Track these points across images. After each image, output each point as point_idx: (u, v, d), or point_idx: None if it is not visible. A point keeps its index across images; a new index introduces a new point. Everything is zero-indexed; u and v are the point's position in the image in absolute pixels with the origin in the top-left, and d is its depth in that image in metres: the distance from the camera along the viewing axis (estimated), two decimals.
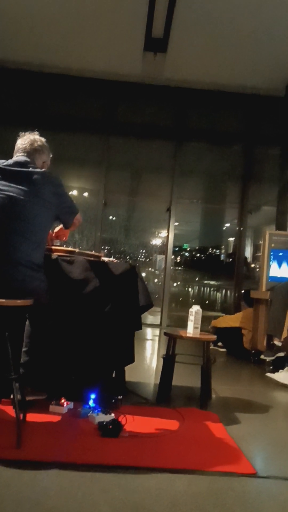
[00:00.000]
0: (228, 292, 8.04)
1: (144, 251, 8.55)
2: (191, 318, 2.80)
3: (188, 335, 2.78)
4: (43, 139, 2.46)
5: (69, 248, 2.73)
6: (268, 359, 4.15)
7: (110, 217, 7.75)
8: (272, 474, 1.83)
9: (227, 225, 8.71)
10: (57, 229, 2.76)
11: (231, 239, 8.61)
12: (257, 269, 7.02)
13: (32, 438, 1.93)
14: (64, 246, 2.80)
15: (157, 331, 6.45)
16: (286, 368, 3.82)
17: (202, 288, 9.93)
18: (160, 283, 7.49)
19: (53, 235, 2.76)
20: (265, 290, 4.68)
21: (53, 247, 2.66)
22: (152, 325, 6.90)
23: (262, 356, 4.48)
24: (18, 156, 2.35)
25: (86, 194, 7.56)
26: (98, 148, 7.08)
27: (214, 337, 3.02)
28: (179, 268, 9.40)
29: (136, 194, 7.94)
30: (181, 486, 1.66)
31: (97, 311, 2.54)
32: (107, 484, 1.60)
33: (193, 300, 9.22)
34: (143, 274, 6.85)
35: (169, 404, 2.69)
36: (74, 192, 7.30)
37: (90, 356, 2.54)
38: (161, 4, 5.14)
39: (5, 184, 2.19)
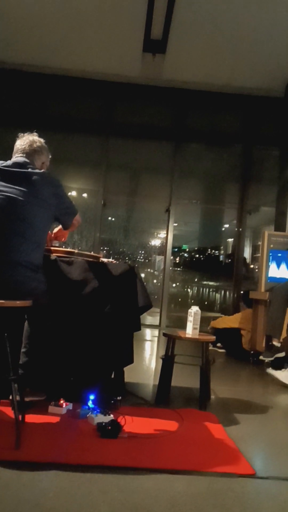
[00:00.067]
0: (227, 292, 8.05)
1: (143, 251, 8.55)
2: (190, 318, 2.80)
3: (187, 335, 2.78)
4: (42, 140, 2.47)
5: (68, 249, 2.73)
6: (267, 359, 4.15)
7: (109, 218, 7.75)
8: (271, 475, 1.83)
9: (226, 225, 8.71)
10: (56, 230, 2.76)
11: (230, 239, 8.61)
12: (256, 270, 7.03)
13: (31, 439, 1.93)
14: (63, 247, 2.80)
15: (156, 332, 6.45)
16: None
17: (201, 289, 9.93)
18: (159, 284, 7.49)
19: (52, 235, 2.76)
20: (264, 291, 4.69)
21: (52, 248, 2.66)
22: (151, 326, 6.90)
23: (261, 357, 4.48)
24: (17, 157, 2.35)
25: (85, 194, 7.56)
26: (97, 149, 7.09)
27: (213, 337, 3.02)
28: (178, 268, 9.40)
29: (135, 195, 7.94)
30: (180, 487, 1.66)
31: (96, 312, 2.54)
32: (106, 485, 1.60)
33: (192, 301, 9.21)
34: (142, 275, 6.84)
35: (168, 405, 2.69)
36: (73, 193, 7.30)
37: (89, 357, 2.54)
38: (160, 6, 5.15)
39: (4, 185, 2.19)
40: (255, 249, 7.91)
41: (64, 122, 6.98)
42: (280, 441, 2.34)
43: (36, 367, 2.31)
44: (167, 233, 6.99)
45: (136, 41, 5.78)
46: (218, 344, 5.09)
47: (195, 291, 9.76)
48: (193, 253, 10.06)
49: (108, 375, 2.72)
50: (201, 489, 1.65)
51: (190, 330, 2.78)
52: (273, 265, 4.80)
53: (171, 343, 2.86)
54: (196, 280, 9.68)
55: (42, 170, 2.35)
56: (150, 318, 7.20)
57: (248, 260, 7.72)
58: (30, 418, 2.15)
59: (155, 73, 6.51)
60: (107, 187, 7.06)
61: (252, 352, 4.64)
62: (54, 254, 2.58)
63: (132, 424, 2.22)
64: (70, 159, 7.12)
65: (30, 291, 2.16)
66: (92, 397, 2.34)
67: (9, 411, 2.20)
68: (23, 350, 2.31)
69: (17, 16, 5.54)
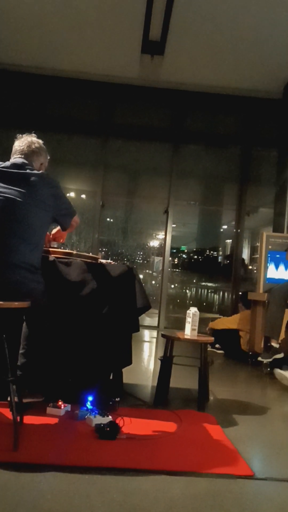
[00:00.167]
0: (226, 294, 8.05)
1: (141, 253, 8.55)
2: (188, 320, 2.80)
3: (185, 337, 2.78)
4: (40, 141, 2.47)
5: (67, 250, 2.73)
6: (265, 361, 4.15)
7: (108, 219, 7.75)
8: (269, 476, 1.83)
9: (225, 227, 8.71)
10: (54, 231, 2.76)
11: (229, 241, 8.61)
12: (255, 271, 7.03)
13: (29, 441, 1.93)
14: (62, 248, 2.80)
15: (154, 333, 6.45)
16: None
17: (199, 290, 9.92)
18: (157, 285, 7.49)
19: (51, 236, 2.76)
20: (262, 292, 4.69)
21: (51, 249, 2.66)
22: (149, 327, 6.90)
23: (259, 358, 4.49)
24: (16, 158, 2.35)
25: (83, 196, 7.56)
26: (95, 150, 7.09)
27: (212, 339, 3.02)
28: (177, 270, 9.40)
29: (134, 196, 7.95)
30: (179, 488, 1.66)
31: (95, 313, 2.54)
32: (104, 487, 1.60)
33: (191, 302, 9.21)
34: (141, 276, 6.85)
35: (167, 406, 2.69)
36: (72, 194, 7.30)
37: (87, 358, 2.54)
38: (158, 7, 5.16)
39: (3, 186, 2.19)
40: (253, 250, 7.92)
41: (63, 123, 6.99)
42: (278, 442, 2.34)
43: (34, 368, 2.31)
44: (165, 234, 6.99)
45: (135, 43, 5.79)
46: (217, 345, 5.09)
47: (194, 292, 9.75)
48: (191, 254, 10.06)
49: (106, 376, 2.72)
50: (199, 490, 1.65)
51: (189, 331, 2.78)
52: (271, 266, 4.81)
53: (169, 344, 2.86)
54: (194, 281, 9.68)
55: (40, 171, 2.35)
56: (148, 319, 7.20)
57: (246, 261, 7.72)
58: (28, 419, 2.15)
59: (153, 74, 6.52)
60: (106, 188, 7.06)
61: (250, 353, 4.64)
62: (52, 255, 2.58)
63: (131, 425, 2.22)
64: (69, 160, 7.12)
65: (28, 292, 2.16)
66: (90, 398, 2.34)
67: (7, 413, 2.20)
68: (21, 351, 2.31)
69: (16, 17, 5.54)
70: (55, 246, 2.76)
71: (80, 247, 7.09)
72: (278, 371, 3.88)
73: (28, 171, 2.27)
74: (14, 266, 2.14)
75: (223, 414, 2.64)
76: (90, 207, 7.12)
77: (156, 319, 6.94)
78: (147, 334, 6.31)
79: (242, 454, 2.00)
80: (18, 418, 2.02)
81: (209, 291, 9.80)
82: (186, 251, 10.03)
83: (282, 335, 4.11)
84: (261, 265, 4.83)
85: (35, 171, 2.30)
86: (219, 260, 9.57)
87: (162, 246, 7.14)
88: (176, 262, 9.45)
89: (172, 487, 1.66)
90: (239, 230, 7.15)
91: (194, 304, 3.89)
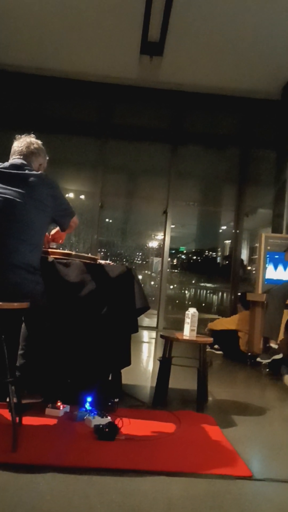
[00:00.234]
0: (225, 294, 8.05)
1: (140, 253, 8.56)
2: (187, 320, 2.80)
3: (184, 337, 2.78)
4: (39, 142, 2.47)
5: (66, 251, 2.73)
6: (264, 361, 4.15)
7: (107, 220, 7.75)
8: (268, 477, 1.83)
9: (224, 227, 8.72)
10: (53, 231, 2.76)
11: (228, 241, 8.62)
12: (253, 272, 7.03)
13: (28, 442, 1.93)
14: (61, 248, 2.80)
15: (153, 334, 6.45)
16: None
17: (198, 291, 9.93)
18: (156, 286, 7.49)
19: (50, 237, 2.76)
20: (261, 293, 4.69)
21: (50, 250, 2.66)
22: (148, 328, 6.90)
23: (258, 359, 4.49)
24: (15, 159, 2.35)
25: (82, 196, 7.56)
26: (94, 151, 7.09)
27: (211, 339, 3.02)
28: (176, 270, 9.40)
29: (133, 197, 7.95)
30: (178, 489, 1.66)
31: (94, 313, 2.54)
32: (103, 487, 1.60)
33: (190, 303, 9.21)
34: (140, 277, 6.86)
35: (166, 407, 2.69)
36: (71, 195, 7.30)
37: (86, 359, 2.53)
38: (157, 8, 5.17)
39: (2, 186, 2.19)
40: (252, 251, 7.93)
41: (62, 123, 6.99)
42: (277, 443, 2.34)
43: (33, 369, 2.31)
44: (164, 235, 6.99)
45: (134, 44, 5.79)
46: (216, 346, 5.09)
47: (193, 293, 9.75)
48: (190, 255, 10.06)
49: (105, 377, 2.71)
50: (198, 491, 1.65)
51: (188, 332, 2.78)
52: (270, 267, 4.82)
53: (168, 345, 2.86)
54: (193, 282, 9.68)
55: (39, 172, 2.35)
56: (147, 320, 7.19)
57: (245, 262, 7.73)
58: (27, 420, 2.15)
59: (152, 75, 6.53)
60: (105, 189, 7.06)
61: (249, 354, 4.65)
62: (51, 256, 2.58)
63: (130, 426, 2.22)
64: (68, 161, 7.12)
65: (27, 293, 2.16)
66: (89, 399, 2.34)
67: (6, 413, 2.20)
68: (20, 352, 2.31)
69: (16, 18, 5.54)
70: (54, 247, 2.76)
71: (79, 247, 7.09)
72: (287, 377, 3.88)
73: (27, 171, 2.27)
74: (13, 267, 2.14)
75: (222, 415, 2.64)
76: (89, 208, 7.12)
77: (155, 319, 6.94)
78: (146, 335, 6.31)
79: (241, 455, 2.00)
80: (17, 419, 2.02)
81: (208, 291, 9.80)
82: (185, 251, 10.03)
83: (281, 336, 4.11)
84: (260, 266, 4.83)
85: (34, 172, 2.30)
86: (218, 261, 9.58)
87: (161, 247, 7.15)
88: (175, 263, 9.45)
89: (171, 488, 1.66)
90: (238, 231, 7.16)
91: (193, 304, 3.88)
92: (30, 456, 1.80)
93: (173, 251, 8.77)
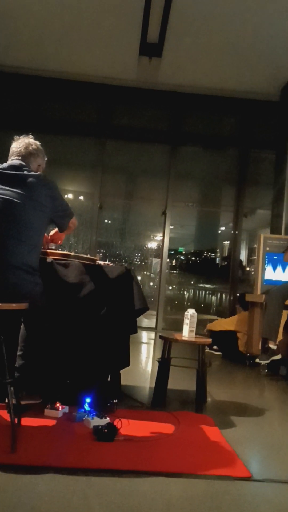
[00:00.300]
0: (223, 295, 8.06)
1: (139, 254, 8.56)
2: (186, 321, 2.80)
3: (183, 338, 2.78)
4: (38, 143, 2.47)
5: (64, 252, 2.73)
6: (263, 362, 4.15)
7: (106, 221, 7.76)
8: (267, 478, 1.84)
9: (222, 228, 8.73)
10: (52, 232, 2.76)
11: (226, 242, 8.63)
12: (252, 273, 7.04)
13: (27, 442, 1.92)
14: (60, 249, 2.80)
15: (152, 335, 6.44)
16: None
17: (197, 292, 9.94)
18: (155, 287, 7.50)
19: (49, 238, 2.76)
20: (260, 294, 4.70)
21: (48, 250, 2.66)
22: (147, 329, 6.90)
23: (257, 360, 4.49)
24: (13, 160, 2.35)
25: (81, 197, 7.56)
26: (93, 152, 7.10)
27: (210, 340, 3.02)
28: (175, 271, 9.41)
29: (132, 198, 7.96)
30: (177, 490, 1.66)
31: (93, 314, 2.54)
32: (102, 488, 1.60)
33: (189, 304, 9.22)
34: (139, 278, 6.86)
35: (165, 408, 2.69)
36: (70, 196, 7.30)
37: (85, 360, 2.53)
38: (156, 10, 5.17)
39: (0, 187, 2.20)
40: (251, 251, 7.94)
41: (61, 124, 6.99)
42: (276, 444, 2.34)
43: (32, 370, 2.30)
44: (163, 236, 6.99)
45: (133, 45, 5.80)
46: (215, 347, 5.09)
47: (192, 294, 9.76)
48: (189, 256, 10.07)
49: (104, 378, 2.71)
50: (197, 492, 1.65)
51: (187, 332, 2.79)
52: (269, 268, 4.82)
53: (167, 346, 2.86)
54: (192, 282, 9.69)
55: (38, 173, 2.35)
56: (146, 320, 7.20)
57: (244, 263, 7.74)
58: (26, 421, 2.15)
59: (151, 76, 6.53)
60: (104, 190, 7.07)
61: (248, 354, 4.65)
62: (50, 256, 2.58)
63: (129, 427, 2.22)
64: (67, 161, 7.12)
65: (26, 293, 2.16)
66: (88, 400, 2.34)
67: (5, 414, 2.19)
68: (19, 353, 2.31)
69: (16, 18, 5.54)
70: (53, 247, 2.76)
71: (78, 248, 7.09)
72: None
73: (25, 172, 2.27)
74: (12, 268, 2.14)
75: (221, 416, 2.64)
76: (88, 209, 7.12)
77: (154, 320, 6.94)
78: (145, 336, 6.31)
79: (240, 456, 2.00)
80: (16, 420, 2.02)
81: (207, 292, 9.81)
82: (184, 252, 10.04)
83: (280, 337, 4.11)
84: (259, 267, 4.84)
85: (32, 173, 2.30)
86: (217, 262, 9.60)
87: (160, 248, 7.15)
88: (174, 264, 9.46)
89: (170, 488, 1.66)
90: (236, 232, 7.16)
91: (192, 305, 3.90)
92: (29, 457, 1.80)
93: (172, 252, 8.78)
